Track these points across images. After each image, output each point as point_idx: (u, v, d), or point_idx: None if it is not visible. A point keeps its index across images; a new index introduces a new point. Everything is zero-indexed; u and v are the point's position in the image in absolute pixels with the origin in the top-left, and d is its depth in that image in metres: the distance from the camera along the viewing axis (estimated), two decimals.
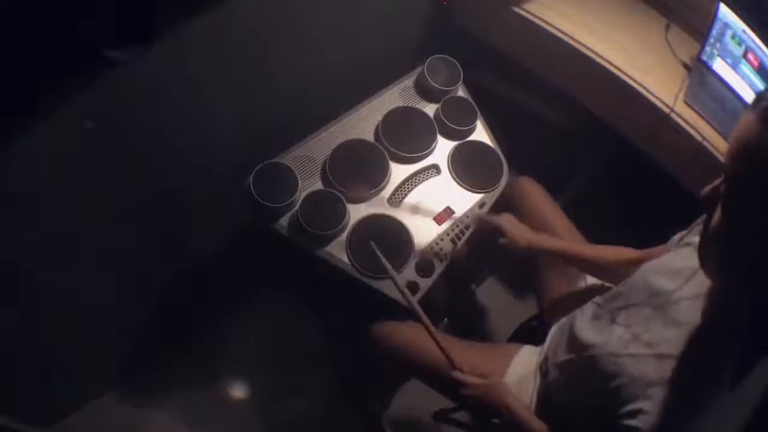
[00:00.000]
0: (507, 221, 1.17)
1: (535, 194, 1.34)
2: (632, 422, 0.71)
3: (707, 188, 0.64)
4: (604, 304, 0.93)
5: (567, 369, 0.93)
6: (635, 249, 1.05)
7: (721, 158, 1.27)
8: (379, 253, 1.10)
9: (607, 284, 1.14)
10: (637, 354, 0.77)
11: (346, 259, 1.15)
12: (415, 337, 1.15)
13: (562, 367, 0.95)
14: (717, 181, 0.63)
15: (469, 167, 1.32)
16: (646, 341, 0.77)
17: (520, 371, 1.07)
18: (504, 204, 1.33)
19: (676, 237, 0.95)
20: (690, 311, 0.75)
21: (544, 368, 1.04)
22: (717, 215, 0.62)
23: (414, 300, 1.05)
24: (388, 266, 1.07)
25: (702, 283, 0.76)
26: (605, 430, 0.78)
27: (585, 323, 0.94)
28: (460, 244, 1.23)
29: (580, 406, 0.89)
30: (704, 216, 0.66)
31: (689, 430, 0.67)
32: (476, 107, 1.39)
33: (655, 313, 0.80)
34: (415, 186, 1.28)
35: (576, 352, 0.91)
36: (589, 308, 0.98)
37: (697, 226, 0.90)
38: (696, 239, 0.86)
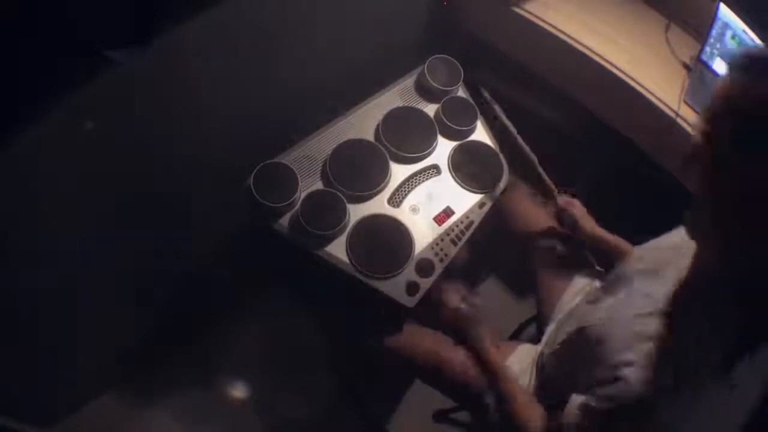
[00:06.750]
0: (578, 208, 1.20)
1: (521, 197, 1.35)
2: (617, 373, 0.71)
3: (688, 152, 0.65)
4: (602, 287, 0.96)
5: (560, 351, 0.96)
6: None
7: None
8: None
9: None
10: (624, 317, 0.78)
11: (346, 259, 1.15)
12: (418, 337, 1.15)
13: (557, 352, 0.97)
14: (695, 143, 0.64)
15: (469, 167, 1.32)
16: (635, 305, 0.78)
17: (517, 367, 1.08)
18: (495, 206, 1.33)
19: None
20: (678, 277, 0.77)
21: (539, 363, 1.05)
22: (700, 175, 0.64)
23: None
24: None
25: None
26: None
27: (581, 307, 0.97)
28: (460, 244, 1.23)
29: (573, 387, 0.90)
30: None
31: (673, 379, 0.68)
32: (476, 107, 1.39)
33: (646, 281, 0.82)
34: (415, 186, 1.28)
35: (568, 333, 0.93)
36: (588, 294, 1.00)
37: None
38: None
